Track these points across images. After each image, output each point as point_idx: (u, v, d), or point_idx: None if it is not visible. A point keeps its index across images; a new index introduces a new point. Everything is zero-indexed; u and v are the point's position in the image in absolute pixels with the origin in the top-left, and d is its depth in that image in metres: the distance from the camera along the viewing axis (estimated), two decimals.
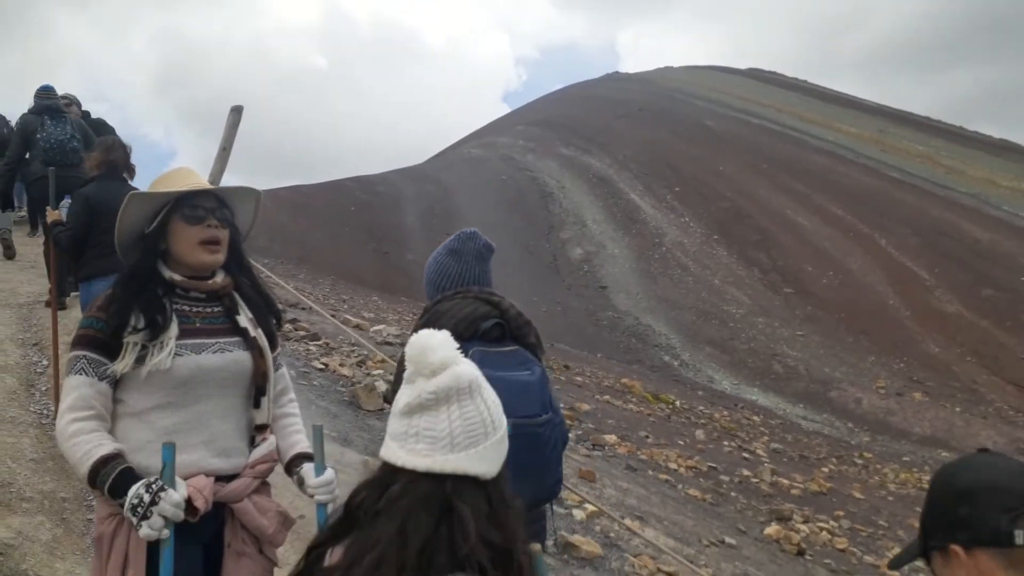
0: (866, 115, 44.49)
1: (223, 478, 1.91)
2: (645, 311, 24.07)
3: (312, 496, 1.98)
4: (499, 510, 1.18)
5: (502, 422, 1.25)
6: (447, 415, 1.19)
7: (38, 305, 6.33)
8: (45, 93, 6.78)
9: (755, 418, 15.23)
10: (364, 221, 25.75)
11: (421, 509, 1.14)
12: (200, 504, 1.80)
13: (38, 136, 6.44)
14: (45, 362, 5.29)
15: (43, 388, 4.92)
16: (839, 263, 24.66)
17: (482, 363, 2.08)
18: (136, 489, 1.68)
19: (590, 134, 40.34)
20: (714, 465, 9.67)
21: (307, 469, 1.99)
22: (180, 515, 1.70)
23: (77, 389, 1.81)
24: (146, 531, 1.66)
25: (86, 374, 1.82)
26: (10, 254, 8.11)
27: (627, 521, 5.92)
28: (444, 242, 2.63)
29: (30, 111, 6.61)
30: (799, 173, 32.01)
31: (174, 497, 1.68)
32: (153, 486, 1.69)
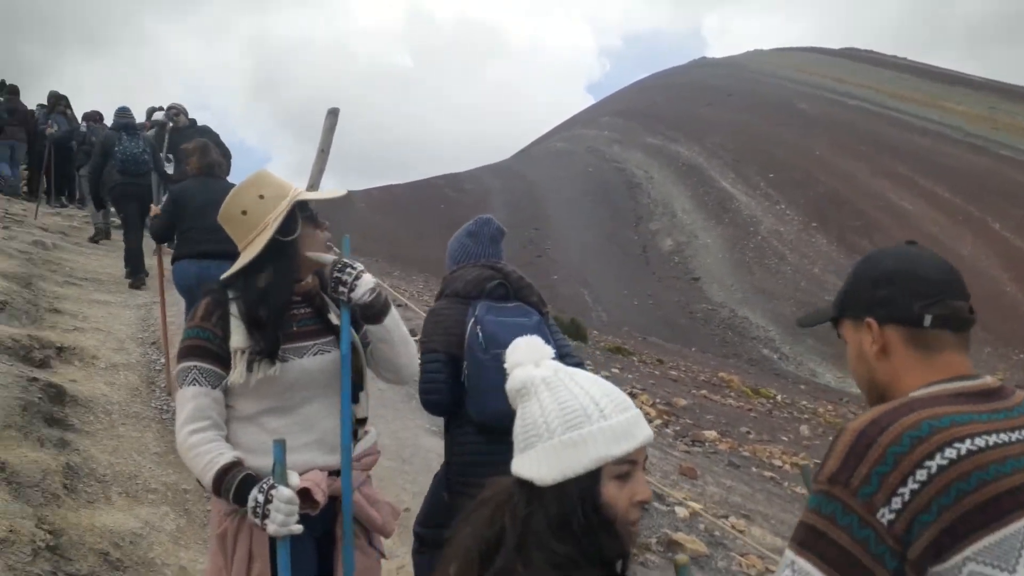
0: (975, 92, 41.80)
1: (334, 473, 1.94)
2: (741, 303, 23.43)
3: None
4: (566, 521, 1.09)
5: (567, 427, 1.13)
6: (517, 417, 1.20)
7: (155, 305, 6.67)
8: (122, 113, 8.07)
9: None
10: (452, 218, 26.11)
11: (489, 506, 1.14)
12: (320, 497, 1.84)
13: (116, 149, 7.44)
14: (163, 360, 5.56)
15: (161, 385, 5.17)
16: (948, 248, 23.31)
17: (487, 312, 2.67)
18: (253, 493, 1.73)
19: (677, 122, 39.55)
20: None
21: None
22: (294, 509, 1.72)
23: (193, 400, 1.85)
24: (274, 529, 1.70)
25: (199, 384, 1.86)
26: (98, 238, 9.81)
27: (732, 519, 5.75)
28: (463, 225, 3.06)
29: (111, 128, 7.84)
30: (901, 155, 30.42)
31: (284, 493, 1.71)
32: (264, 486, 1.73)
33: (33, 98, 17.86)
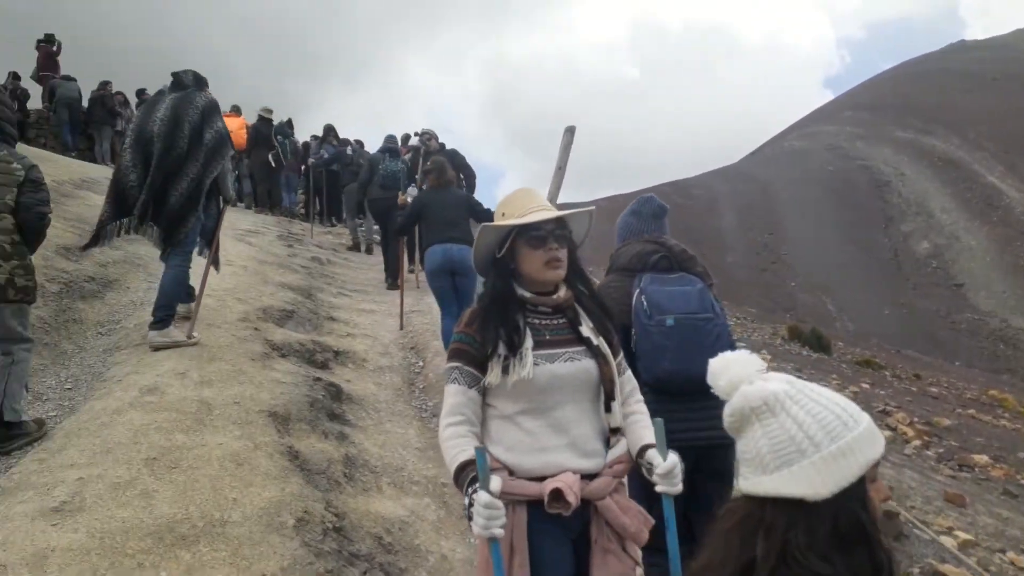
0: None
1: (586, 477, 2.00)
2: (1014, 311, 20.48)
3: (656, 486, 1.98)
4: (841, 537, 1.05)
5: (831, 438, 1.09)
6: (752, 436, 1.14)
7: (414, 314, 7.31)
8: (389, 140, 9.65)
9: None
10: (681, 225, 25.59)
11: (734, 533, 1.09)
12: (571, 499, 1.90)
13: (380, 167, 8.95)
14: (421, 363, 6.08)
15: (421, 386, 5.64)
16: None
17: (651, 283, 2.86)
18: (466, 496, 1.86)
19: (932, 113, 35.57)
20: None
21: (652, 454, 2.00)
22: (493, 513, 1.77)
23: (453, 397, 2.05)
24: (477, 530, 1.78)
25: (459, 383, 2.05)
26: (355, 248, 11.67)
27: (1011, 555, 5.08)
28: (629, 205, 3.27)
29: (378, 150, 9.42)
30: None
31: (483, 498, 1.78)
32: (469, 489, 1.84)
33: (303, 130, 20.38)
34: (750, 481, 1.13)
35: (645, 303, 2.81)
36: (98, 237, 4.86)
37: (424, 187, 7.19)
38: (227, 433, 3.75)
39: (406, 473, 4.16)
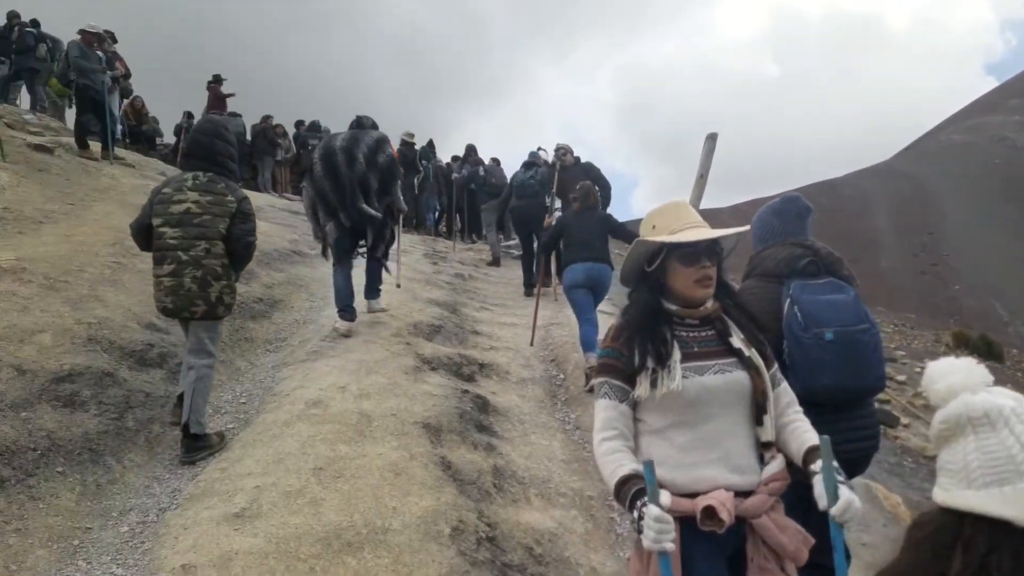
0: None
1: (740, 494, 1.96)
2: None
3: (827, 514, 1.89)
4: None
5: None
6: (963, 447, 1.08)
7: (553, 327, 7.40)
8: (530, 156, 10.17)
9: None
10: (830, 228, 24.28)
11: (926, 544, 1.05)
12: (724, 516, 1.86)
13: (517, 180, 9.77)
14: (562, 376, 6.13)
15: (563, 399, 5.70)
16: None
17: (803, 292, 2.74)
18: (634, 510, 1.86)
19: None
20: None
21: (819, 492, 1.84)
22: (664, 527, 1.77)
23: (604, 411, 2.08)
24: (647, 544, 1.79)
25: (610, 398, 2.07)
26: (494, 264, 12.09)
27: None
28: (768, 204, 3.14)
29: (522, 165, 10.03)
30: None
31: (653, 511, 1.78)
32: (639, 503, 1.84)
33: (444, 151, 21.17)
34: (950, 493, 1.09)
35: (799, 314, 2.70)
36: (325, 246, 6.07)
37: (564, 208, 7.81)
38: (385, 444, 3.96)
39: (552, 485, 4.22)
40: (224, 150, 4.33)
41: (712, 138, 5.28)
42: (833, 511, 1.80)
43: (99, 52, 9.83)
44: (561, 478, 4.33)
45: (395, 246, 6.57)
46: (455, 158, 15.65)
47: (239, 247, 4.21)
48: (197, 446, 4.03)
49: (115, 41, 9.92)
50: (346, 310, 5.86)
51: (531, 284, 9.24)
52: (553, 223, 7.23)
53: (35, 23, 12.79)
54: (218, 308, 4.14)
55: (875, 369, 2.78)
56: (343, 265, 5.96)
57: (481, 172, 13.50)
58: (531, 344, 6.88)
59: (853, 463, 2.63)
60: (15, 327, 4.35)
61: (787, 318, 2.73)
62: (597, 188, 8.78)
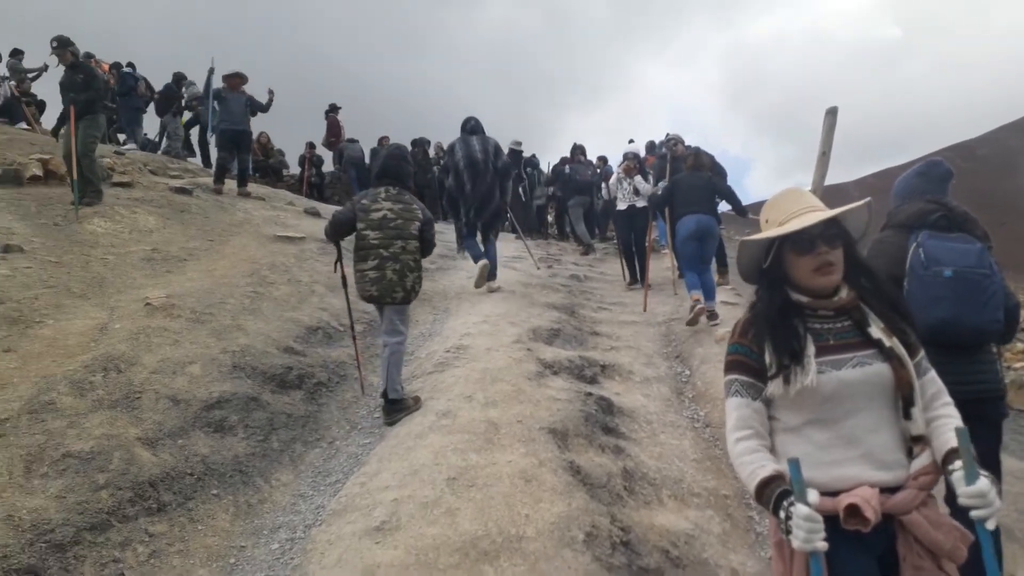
0: None
1: (887, 491, 1.86)
2: None
3: (966, 507, 1.78)
4: None
5: None
6: None
7: (674, 322, 7.26)
8: (630, 150, 10.46)
9: None
10: (969, 192, 22.41)
11: None
12: (869, 514, 1.78)
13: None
14: (688, 372, 6.01)
15: (690, 395, 5.58)
16: None
17: (929, 238, 2.94)
18: (780, 511, 1.79)
19: None
20: None
21: (957, 477, 1.78)
22: (814, 526, 1.71)
23: (737, 410, 2.00)
24: (798, 544, 1.73)
25: (741, 396, 2.00)
26: (587, 252, 12.91)
27: None
28: (913, 167, 3.30)
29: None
30: None
31: (802, 511, 1.72)
32: (786, 503, 1.77)
33: (552, 154, 21.31)
34: None
35: (923, 255, 2.91)
36: (461, 239, 8.02)
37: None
38: (514, 451, 4.02)
39: (685, 485, 4.13)
40: (408, 171, 5.39)
41: (832, 112, 5.02)
42: (962, 494, 1.73)
43: (241, 93, 10.57)
44: (694, 477, 4.23)
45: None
46: (563, 160, 15.71)
47: (428, 246, 5.24)
48: (395, 409, 4.82)
49: (246, 80, 10.70)
50: (479, 257, 7.83)
51: (634, 277, 9.67)
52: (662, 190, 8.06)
53: (131, 65, 14.08)
54: (411, 294, 5.07)
55: (992, 312, 2.90)
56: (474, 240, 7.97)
57: (567, 170, 14.09)
58: (643, 311, 8.02)
59: (976, 403, 2.70)
60: (168, 360, 4.73)
61: (911, 259, 2.94)
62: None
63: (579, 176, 13.44)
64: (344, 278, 5.63)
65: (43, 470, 3.45)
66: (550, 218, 16.58)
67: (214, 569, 3.37)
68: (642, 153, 11.69)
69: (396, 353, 4.96)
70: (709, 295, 6.89)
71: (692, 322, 6.87)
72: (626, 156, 9.73)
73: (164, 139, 14.08)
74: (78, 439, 3.71)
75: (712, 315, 6.85)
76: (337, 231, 5.17)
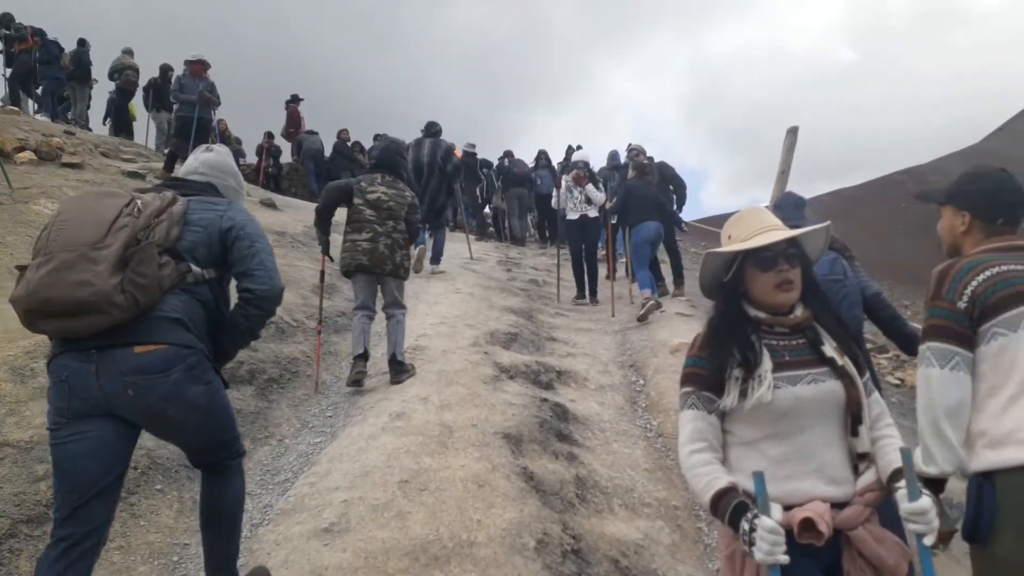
0: None
1: (836, 506, 1.90)
2: None
3: (907, 524, 1.84)
4: None
5: None
6: None
7: (629, 331, 7.32)
8: (579, 157, 10.15)
9: None
10: (918, 216, 23.11)
11: None
12: (823, 528, 1.82)
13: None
14: (642, 381, 6.05)
15: (643, 405, 5.62)
16: None
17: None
18: (741, 522, 1.81)
19: None
20: None
21: (901, 494, 1.84)
22: (777, 539, 1.74)
23: (691, 422, 2.02)
24: (760, 556, 1.76)
25: (696, 408, 2.03)
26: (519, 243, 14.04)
27: None
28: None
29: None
30: None
31: (767, 523, 1.75)
32: (749, 515, 1.80)
33: (525, 155, 21.40)
34: None
35: None
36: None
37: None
38: (467, 455, 3.99)
39: (636, 495, 4.15)
40: (403, 164, 5.87)
41: (793, 132, 5.14)
42: (903, 509, 1.79)
43: (202, 79, 10.32)
44: (645, 487, 4.26)
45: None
46: (505, 153, 15.90)
47: (412, 229, 5.58)
48: (402, 370, 5.23)
49: (209, 66, 10.47)
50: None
51: (584, 292, 9.42)
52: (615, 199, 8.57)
53: (82, 42, 14.10)
54: (400, 270, 5.40)
55: (848, 310, 3.33)
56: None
57: (506, 163, 14.95)
58: (612, 316, 8.33)
59: None
60: None
61: None
62: (671, 187, 8.70)
63: (516, 169, 14.30)
64: (323, 273, 5.88)
65: None
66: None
67: (156, 566, 3.26)
68: (592, 161, 11.71)
69: (400, 323, 5.36)
70: (654, 288, 7.93)
71: (643, 318, 7.49)
72: (575, 164, 9.36)
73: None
74: (17, 428, 3.55)
75: (658, 304, 7.75)
76: (330, 198, 5.45)
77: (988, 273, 2.03)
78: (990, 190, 2.23)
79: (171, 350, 2.36)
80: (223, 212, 2.65)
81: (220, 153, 2.95)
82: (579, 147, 12.75)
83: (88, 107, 14.45)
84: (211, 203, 2.69)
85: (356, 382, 5.18)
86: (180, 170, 2.93)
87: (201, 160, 2.88)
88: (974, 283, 2.03)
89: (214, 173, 2.87)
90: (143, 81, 13.94)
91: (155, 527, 3.47)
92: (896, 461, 1.93)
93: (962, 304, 2.04)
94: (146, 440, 3.86)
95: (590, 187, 9.10)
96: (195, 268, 2.52)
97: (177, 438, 2.57)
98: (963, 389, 2.05)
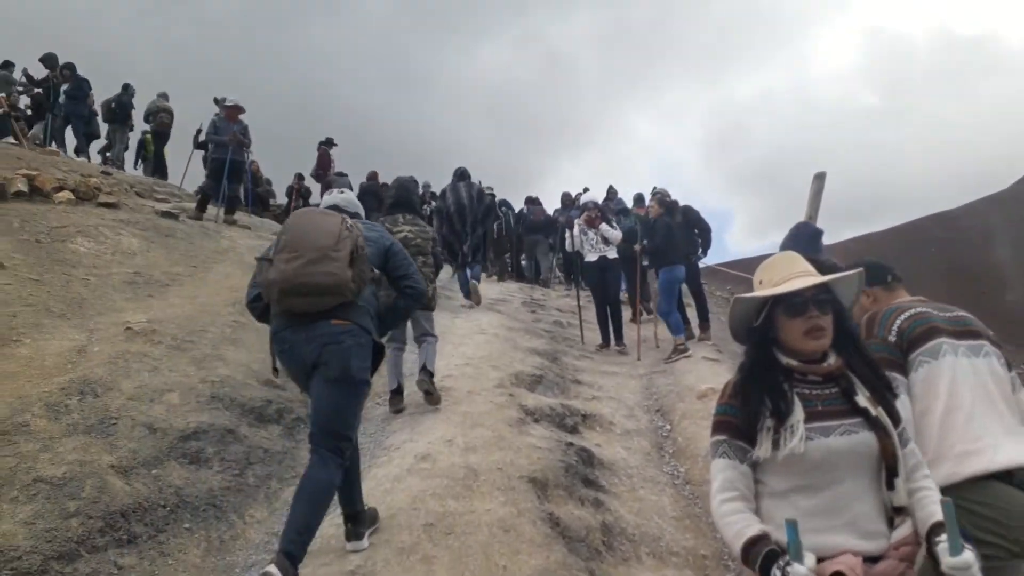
0: None
1: (869, 560, 1.86)
2: None
3: None
4: None
5: None
6: None
7: (656, 375, 7.28)
8: (588, 199, 10.14)
9: None
10: (948, 262, 22.81)
11: None
12: None
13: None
14: (668, 427, 6.00)
15: (670, 451, 5.56)
16: None
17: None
18: (772, 569, 1.79)
19: None
20: None
21: (942, 548, 1.81)
22: None
23: (723, 472, 2.01)
24: None
25: (728, 457, 2.01)
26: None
27: None
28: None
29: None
30: None
31: (800, 571, 1.72)
32: (781, 563, 1.77)
33: (549, 201, 21.64)
34: None
35: None
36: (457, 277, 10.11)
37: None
38: (493, 499, 3.96)
39: (664, 543, 4.09)
40: (417, 201, 6.46)
41: (820, 177, 5.16)
42: (946, 563, 1.76)
43: (236, 123, 10.62)
44: (673, 536, 4.19)
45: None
46: (556, 210, 15.92)
47: (438, 261, 6.09)
48: (431, 380, 5.50)
49: (243, 111, 10.78)
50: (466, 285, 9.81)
51: (608, 340, 9.03)
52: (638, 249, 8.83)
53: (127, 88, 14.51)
54: (431, 302, 5.85)
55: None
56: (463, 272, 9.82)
57: (524, 210, 15.76)
58: (637, 359, 8.39)
59: None
60: (146, 386, 4.64)
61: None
62: (696, 231, 8.70)
63: (532, 216, 15.19)
64: None
65: (13, 494, 3.34)
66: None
67: None
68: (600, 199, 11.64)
69: (431, 346, 5.71)
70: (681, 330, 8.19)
71: (670, 359, 7.85)
72: (586, 207, 9.07)
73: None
74: (51, 464, 3.60)
75: (686, 350, 7.96)
76: None
77: (909, 313, 2.55)
78: (869, 263, 2.63)
79: (355, 327, 3.22)
80: (382, 234, 3.70)
81: (350, 193, 4.00)
82: (586, 189, 12.85)
83: (126, 148, 14.88)
84: (372, 226, 3.73)
85: (398, 411, 5.62)
86: (329, 200, 3.84)
87: (346, 197, 3.90)
88: (899, 321, 2.54)
89: (355, 206, 3.88)
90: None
91: (183, 566, 3.48)
92: (936, 514, 1.90)
93: (892, 338, 2.50)
94: (175, 479, 3.90)
95: (604, 226, 8.77)
96: (376, 271, 3.47)
97: (318, 396, 3.30)
98: (905, 410, 2.28)
